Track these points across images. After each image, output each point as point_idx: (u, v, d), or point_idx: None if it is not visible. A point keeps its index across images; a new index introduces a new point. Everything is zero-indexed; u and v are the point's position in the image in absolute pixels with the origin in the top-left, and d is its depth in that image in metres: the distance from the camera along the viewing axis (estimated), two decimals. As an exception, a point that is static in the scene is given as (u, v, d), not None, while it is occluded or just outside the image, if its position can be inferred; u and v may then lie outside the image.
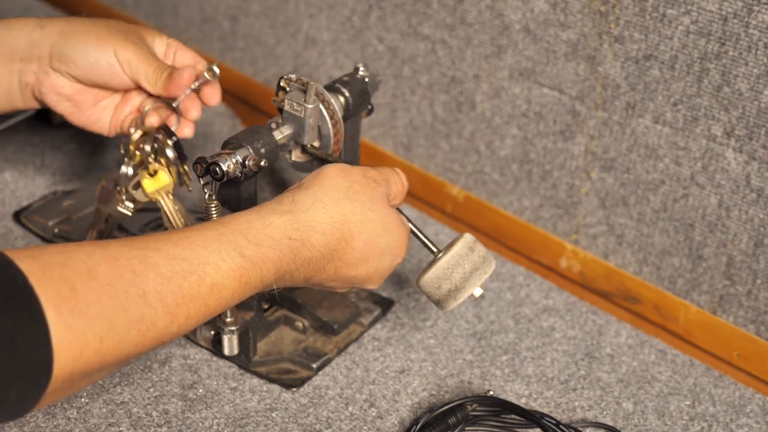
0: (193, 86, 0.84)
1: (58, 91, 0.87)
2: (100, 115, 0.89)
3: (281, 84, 0.85)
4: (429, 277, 0.79)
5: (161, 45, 0.89)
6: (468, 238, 0.80)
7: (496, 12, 1.01)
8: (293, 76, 0.85)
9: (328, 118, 0.84)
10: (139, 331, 0.63)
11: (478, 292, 0.80)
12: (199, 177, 0.80)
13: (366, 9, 1.13)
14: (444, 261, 0.79)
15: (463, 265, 0.79)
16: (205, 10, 1.31)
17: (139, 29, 0.88)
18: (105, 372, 0.64)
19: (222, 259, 0.68)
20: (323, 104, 0.84)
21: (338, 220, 0.75)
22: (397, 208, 0.82)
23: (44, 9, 1.42)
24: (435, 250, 0.81)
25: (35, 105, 0.89)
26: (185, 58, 0.89)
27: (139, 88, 0.87)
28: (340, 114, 0.85)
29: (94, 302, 0.60)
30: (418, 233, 0.82)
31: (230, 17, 1.29)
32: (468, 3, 1.03)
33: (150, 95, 0.87)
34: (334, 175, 0.77)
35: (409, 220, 0.82)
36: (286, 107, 0.84)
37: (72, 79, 0.86)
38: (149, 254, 0.65)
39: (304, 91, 0.84)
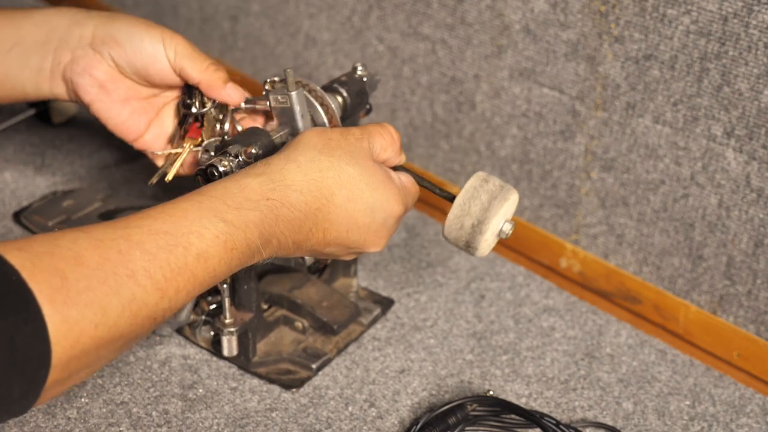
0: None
1: (92, 73, 0.86)
2: (127, 116, 0.88)
3: (266, 87, 0.85)
4: (449, 220, 0.77)
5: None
6: (480, 173, 0.78)
7: (496, 12, 1.01)
8: (276, 78, 0.85)
9: (318, 105, 0.83)
10: (131, 312, 0.63)
11: (507, 227, 0.77)
12: None
13: (366, 9, 1.13)
14: (459, 198, 0.77)
15: (480, 197, 0.76)
16: (205, 10, 1.31)
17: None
18: (103, 360, 0.64)
19: (204, 227, 0.67)
20: (310, 92, 0.83)
21: (314, 177, 0.74)
22: (402, 166, 0.81)
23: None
24: (451, 196, 0.79)
25: (59, 92, 0.88)
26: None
27: (177, 86, 0.87)
28: (335, 109, 0.84)
29: (84, 289, 0.61)
30: (431, 186, 0.80)
31: (230, 17, 1.29)
32: (468, 3, 1.03)
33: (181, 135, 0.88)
34: (310, 135, 0.76)
35: (417, 176, 0.80)
36: (273, 103, 0.83)
37: (111, 63, 0.85)
38: (132, 233, 0.65)
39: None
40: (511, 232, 0.77)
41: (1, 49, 0.87)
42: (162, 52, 0.84)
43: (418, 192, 0.83)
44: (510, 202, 0.77)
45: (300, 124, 0.83)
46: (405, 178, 0.81)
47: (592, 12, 0.94)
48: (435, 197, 1.15)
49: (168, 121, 0.90)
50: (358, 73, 0.88)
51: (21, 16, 0.87)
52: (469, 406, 0.83)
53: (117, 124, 0.88)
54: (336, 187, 0.74)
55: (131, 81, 0.87)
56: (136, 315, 0.63)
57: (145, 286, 0.64)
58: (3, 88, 0.89)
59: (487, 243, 0.77)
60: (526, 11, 0.99)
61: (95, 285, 0.61)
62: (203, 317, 0.89)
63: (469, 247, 0.77)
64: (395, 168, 0.81)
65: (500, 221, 0.77)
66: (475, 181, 0.77)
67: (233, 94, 0.85)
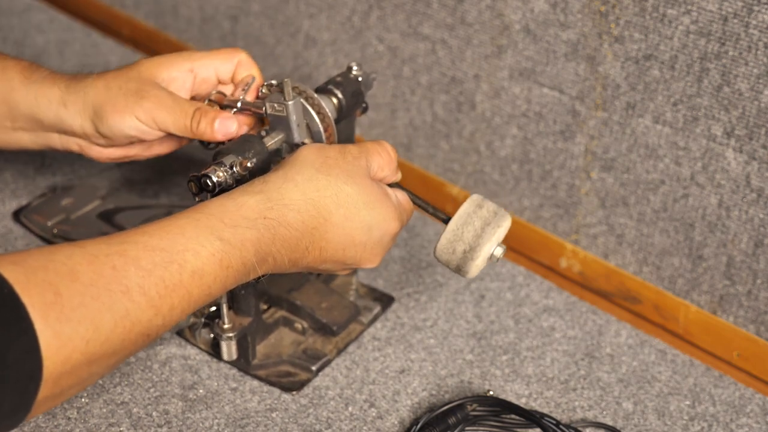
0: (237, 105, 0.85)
1: (108, 157, 0.88)
2: (161, 147, 0.89)
3: (263, 90, 0.85)
4: (442, 243, 0.77)
5: (183, 74, 0.86)
6: (475, 197, 0.78)
7: (496, 12, 1.01)
8: (274, 82, 0.84)
9: (314, 114, 0.83)
10: (124, 328, 0.63)
11: (498, 251, 0.77)
12: (194, 196, 0.79)
13: (366, 9, 1.13)
14: (452, 223, 0.77)
15: (473, 223, 0.76)
16: (205, 10, 1.31)
17: (150, 68, 0.85)
18: (95, 377, 0.64)
19: (200, 245, 0.67)
20: (307, 100, 0.83)
21: (312, 197, 0.74)
22: (398, 184, 0.81)
23: (44, 9, 1.42)
24: (444, 217, 0.79)
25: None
26: (218, 70, 0.87)
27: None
28: (329, 111, 0.84)
29: (78, 305, 0.60)
30: (425, 205, 0.81)
31: (230, 17, 1.29)
32: (468, 3, 1.03)
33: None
34: (307, 153, 0.76)
35: (412, 194, 0.80)
36: (269, 110, 0.83)
37: (116, 146, 0.87)
38: (128, 248, 0.65)
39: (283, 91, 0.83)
40: (502, 255, 0.78)
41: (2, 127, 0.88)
42: (145, 127, 0.84)
43: (413, 209, 0.83)
44: (502, 229, 0.78)
45: (296, 133, 0.83)
46: (401, 196, 0.81)
47: (592, 12, 0.94)
48: (435, 197, 1.15)
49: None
50: (353, 73, 0.88)
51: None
52: (469, 406, 0.84)
53: (156, 154, 0.90)
54: (333, 206, 0.75)
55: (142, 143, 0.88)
56: (129, 331, 0.63)
57: (139, 302, 0.63)
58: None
59: (477, 267, 0.78)
60: (526, 11, 0.99)
61: (88, 301, 0.61)
62: (203, 320, 0.89)
63: (459, 270, 0.78)
64: (390, 185, 0.82)
65: (492, 247, 0.77)
66: (469, 207, 0.78)
67: (227, 130, 0.83)
